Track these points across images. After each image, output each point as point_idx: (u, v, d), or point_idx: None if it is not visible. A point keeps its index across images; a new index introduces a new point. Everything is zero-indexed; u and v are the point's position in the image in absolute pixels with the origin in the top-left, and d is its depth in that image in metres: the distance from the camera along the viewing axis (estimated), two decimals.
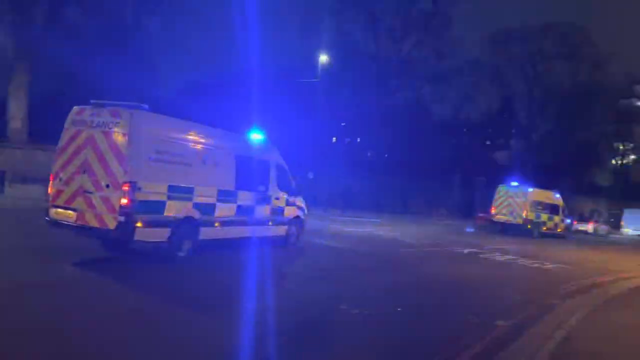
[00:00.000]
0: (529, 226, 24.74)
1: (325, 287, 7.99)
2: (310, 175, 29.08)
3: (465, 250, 15.51)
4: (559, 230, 26.88)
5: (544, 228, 25.77)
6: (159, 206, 7.99)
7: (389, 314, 6.69)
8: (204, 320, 5.58)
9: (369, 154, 51.08)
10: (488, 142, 68.69)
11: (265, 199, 10.79)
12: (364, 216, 28.82)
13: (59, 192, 7.84)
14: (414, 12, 47.90)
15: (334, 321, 6.08)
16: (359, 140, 55.37)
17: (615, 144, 63.04)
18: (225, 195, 9.45)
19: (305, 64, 42.84)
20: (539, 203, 25.73)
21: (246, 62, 33.12)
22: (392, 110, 48.02)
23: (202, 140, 9.07)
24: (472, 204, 42.94)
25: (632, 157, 69.16)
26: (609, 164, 60.99)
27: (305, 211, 12.54)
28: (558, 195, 27.55)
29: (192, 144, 8.80)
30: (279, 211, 11.37)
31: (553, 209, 26.68)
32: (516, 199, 24.86)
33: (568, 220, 28.91)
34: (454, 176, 47.75)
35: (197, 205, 8.70)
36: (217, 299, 6.49)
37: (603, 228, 39.66)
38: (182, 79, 46.73)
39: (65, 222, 7.75)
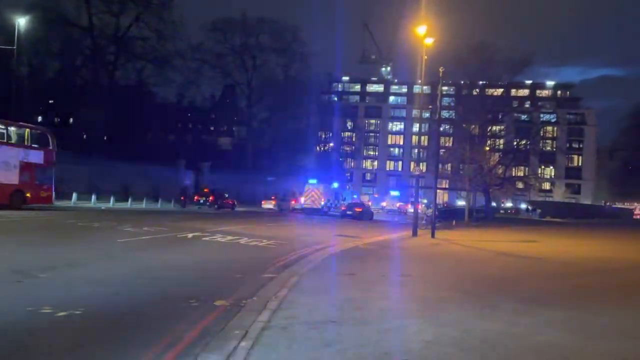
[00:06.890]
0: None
1: None
2: None
3: (190, 235, 15.54)
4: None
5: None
6: (327, 203, 40.91)
7: (103, 313, 6.09)
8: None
9: (84, 136, 45.97)
10: (212, 128, 70.61)
11: (338, 201, 42.33)
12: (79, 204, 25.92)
13: (305, 200, 40.51)
14: None
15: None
16: (71, 120, 49.39)
17: (319, 133, 73.02)
18: (331, 201, 41.65)
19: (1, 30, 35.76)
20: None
21: None
22: (111, 88, 44.35)
23: (325, 187, 42.58)
24: (197, 187, 43.47)
25: (331, 144, 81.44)
26: (314, 150, 70.48)
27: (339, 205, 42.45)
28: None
29: (326, 188, 42.57)
30: (339, 205, 41.14)
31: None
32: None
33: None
34: (179, 160, 47.30)
35: (329, 204, 41.14)
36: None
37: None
38: None
39: (308, 207, 39.73)
